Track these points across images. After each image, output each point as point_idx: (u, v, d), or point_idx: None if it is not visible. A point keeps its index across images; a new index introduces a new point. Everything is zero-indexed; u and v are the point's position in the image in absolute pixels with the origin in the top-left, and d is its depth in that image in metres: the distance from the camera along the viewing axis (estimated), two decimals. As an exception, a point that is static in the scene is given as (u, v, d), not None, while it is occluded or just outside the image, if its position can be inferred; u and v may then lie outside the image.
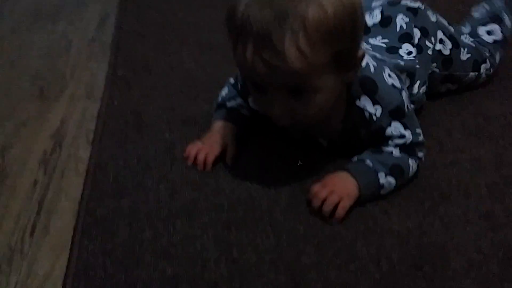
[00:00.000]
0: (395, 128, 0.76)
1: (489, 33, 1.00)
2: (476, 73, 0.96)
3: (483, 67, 0.96)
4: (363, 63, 0.75)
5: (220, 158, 0.83)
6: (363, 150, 0.79)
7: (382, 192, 0.75)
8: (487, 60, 0.97)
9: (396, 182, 0.75)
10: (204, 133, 0.86)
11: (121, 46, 1.19)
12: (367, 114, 0.75)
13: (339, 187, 0.72)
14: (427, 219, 0.73)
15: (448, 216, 0.73)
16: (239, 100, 0.86)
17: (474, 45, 0.96)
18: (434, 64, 0.91)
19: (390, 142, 0.76)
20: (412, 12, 0.89)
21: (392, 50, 0.85)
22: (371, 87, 0.75)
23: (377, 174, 0.74)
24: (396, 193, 0.77)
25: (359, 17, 0.67)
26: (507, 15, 1.01)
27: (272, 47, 0.63)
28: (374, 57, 0.79)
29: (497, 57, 0.99)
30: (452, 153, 0.85)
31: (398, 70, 0.81)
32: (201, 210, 0.76)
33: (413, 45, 0.86)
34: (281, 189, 0.79)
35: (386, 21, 0.88)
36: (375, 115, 0.75)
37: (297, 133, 0.85)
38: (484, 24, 1.01)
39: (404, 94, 0.77)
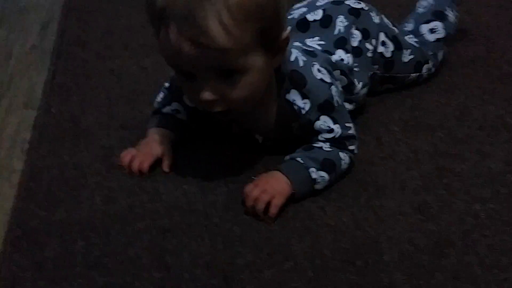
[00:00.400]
0: (324, 122, 0.76)
1: (432, 31, 0.99)
2: (418, 73, 0.96)
3: (425, 68, 0.97)
4: (292, 57, 0.75)
5: (156, 164, 0.82)
6: (298, 145, 0.79)
7: (317, 186, 0.75)
8: (429, 61, 0.97)
9: (329, 176, 0.75)
10: (141, 139, 0.84)
11: (62, 53, 1.16)
12: (296, 108, 0.76)
13: (270, 186, 0.72)
14: (362, 213, 0.74)
15: (383, 209, 0.74)
16: (174, 105, 0.85)
17: (417, 46, 0.96)
18: (376, 66, 0.90)
19: (320, 137, 0.77)
20: (354, 13, 0.89)
21: (326, 53, 0.85)
22: (299, 81, 0.75)
23: (308, 170, 0.74)
24: (332, 188, 0.77)
25: None
26: (451, 10, 1.01)
27: (196, 25, 0.63)
28: (304, 52, 0.79)
29: (440, 55, 0.99)
30: (389, 147, 0.85)
31: (330, 65, 0.81)
32: (136, 217, 0.75)
33: (347, 51, 0.86)
34: (218, 191, 0.78)
35: (326, 21, 0.88)
36: (304, 109, 0.76)
37: (235, 127, 0.84)
38: (427, 22, 0.99)
39: (334, 88, 0.77)
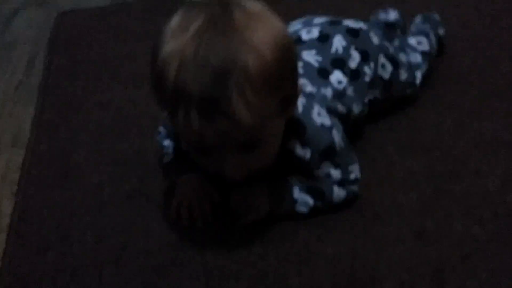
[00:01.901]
0: (324, 169, 0.74)
1: (418, 43, 1.00)
2: (412, 89, 0.95)
3: (417, 80, 0.96)
4: None
5: (144, 199, 0.80)
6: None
7: (299, 209, 0.73)
8: (417, 72, 0.96)
9: (315, 202, 0.73)
10: (134, 173, 0.82)
11: (49, 87, 1.15)
12: (297, 157, 0.73)
13: (250, 200, 0.72)
14: (360, 242, 0.72)
15: (381, 237, 0.72)
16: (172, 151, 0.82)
17: (409, 60, 0.95)
18: (376, 91, 0.88)
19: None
20: (352, 34, 0.86)
21: (323, 73, 0.81)
22: (299, 129, 0.72)
23: (292, 188, 0.72)
24: (329, 216, 0.76)
25: (295, 54, 0.66)
26: (433, 36, 1.03)
27: (220, 112, 0.58)
28: (303, 94, 0.75)
29: (423, 69, 0.98)
30: (385, 169, 0.84)
31: (328, 104, 0.78)
32: (129, 256, 0.73)
33: (346, 74, 0.83)
34: (213, 228, 0.76)
35: (323, 38, 0.85)
36: (305, 157, 0.73)
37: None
38: (414, 35, 1.01)
39: (335, 131, 0.74)
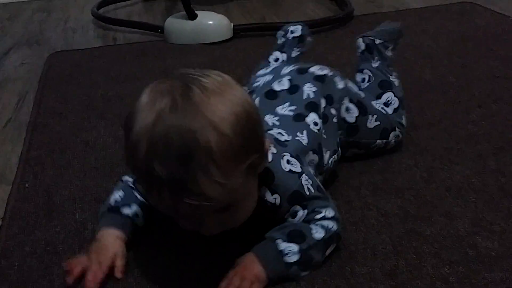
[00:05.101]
0: (294, 209, 0.76)
1: (387, 104, 1.00)
2: (385, 141, 0.97)
3: (392, 135, 0.97)
4: None
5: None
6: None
7: (289, 259, 0.73)
8: (397, 128, 0.98)
9: (299, 246, 0.73)
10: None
11: (37, 125, 1.18)
12: (268, 204, 0.76)
13: (249, 272, 0.71)
14: (335, 281, 0.74)
15: (355, 276, 0.74)
16: (135, 208, 0.80)
17: (384, 112, 0.97)
18: (340, 132, 0.92)
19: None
20: (319, 80, 0.91)
21: (299, 118, 0.86)
22: (268, 177, 0.75)
23: (275, 241, 0.73)
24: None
25: (257, 121, 0.68)
26: (392, 74, 1.04)
27: (189, 191, 0.62)
28: (275, 141, 0.79)
29: (404, 121, 1.01)
30: (360, 210, 0.87)
31: (301, 151, 0.81)
32: (109, 294, 0.74)
33: (320, 116, 0.87)
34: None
35: (294, 88, 0.90)
36: (275, 204, 0.76)
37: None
38: (379, 97, 1.01)
39: (304, 177, 0.76)
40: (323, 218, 0.76)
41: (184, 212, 0.66)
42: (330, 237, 0.76)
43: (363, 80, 1.05)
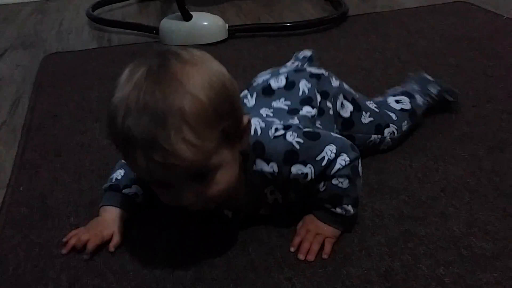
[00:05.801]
0: (297, 170, 0.77)
1: (397, 102, 1.04)
2: (379, 135, 0.99)
3: (386, 131, 0.99)
4: (252, 130, 0.77)
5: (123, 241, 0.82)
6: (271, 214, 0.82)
7: (351, 211, 0.81)
8: (391, 125, 1.00)
9: (347, 199, 0.80)
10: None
11: (32, 128, 1.18)
12: (267, 175, 0.78)
13: (321, 229, 0.81)
14: (330, 283, 0.74)
15: (350, 278, 0.74)
16: (134, 188, 0.86)
17: (377, 111, 1.00)
18: (335, 126, 0.94)
19: (300, 184, 0.80)
20: (315, 77, 0.93)
21: (293, 112, 0.88)
22: (259, 149, 0.77)
23: (333, 209, 0.81)
24: (300, 260, 0.78)
25: (233, 92, 0.70)
26: (420, 96, 1.07)
27: (161, 149, 0.64)
28: (263, 119, 0.81)
29: (404, 124, 1.02)
30: (355, 212, 0.87)
31: (291, 118, 0.84)
32: (103, 298, 0.74)
33: (314, 107, 0.89)
34: (187, 267, 0.78)
35: (290, 85, 0.92)
36: (274, 171, 0.77)
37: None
38: (394, 95, 1.06)
39: (288, 134, 0.77)
40: (335, 160, 0.79)
41: (157, 176, 0.67)
42: (353, 172, 0.80)
43: (392, 89, 1.09)
